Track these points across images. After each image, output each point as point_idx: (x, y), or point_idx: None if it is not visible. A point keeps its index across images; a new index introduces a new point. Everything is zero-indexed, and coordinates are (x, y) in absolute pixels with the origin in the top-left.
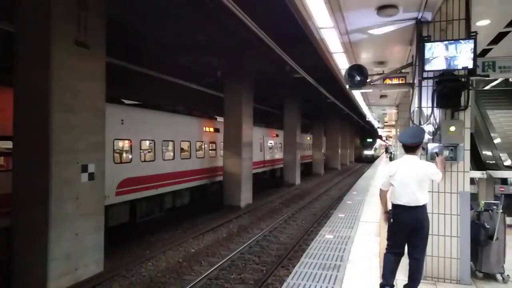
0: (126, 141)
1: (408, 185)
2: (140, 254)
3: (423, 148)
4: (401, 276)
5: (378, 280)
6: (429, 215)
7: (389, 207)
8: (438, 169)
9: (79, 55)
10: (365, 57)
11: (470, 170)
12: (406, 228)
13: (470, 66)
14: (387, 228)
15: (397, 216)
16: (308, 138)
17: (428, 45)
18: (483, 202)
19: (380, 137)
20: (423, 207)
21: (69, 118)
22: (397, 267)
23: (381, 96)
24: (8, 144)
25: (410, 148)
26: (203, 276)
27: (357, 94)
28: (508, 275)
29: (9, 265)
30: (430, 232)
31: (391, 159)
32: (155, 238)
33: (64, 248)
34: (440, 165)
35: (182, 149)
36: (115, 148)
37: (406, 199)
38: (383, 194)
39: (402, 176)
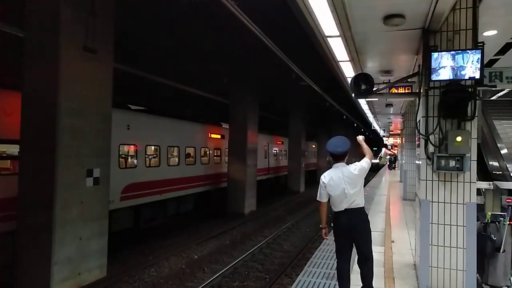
0: (132, 146)
1: (343, 190)
2: (143, 260)
3: (429, 158)
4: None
5: None
6: (435, 226)
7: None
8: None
9: (87, 60)
10: (371, 66)
11: (477, 180)
12: (346, 231)
13: (477, 76)
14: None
15: (336, 220)
16: (313, 145)
17: (434, 55)
18: (489, 213)
19: (386, 146)
20: (361, 209)
21: (75, 122)
22: (348, 271)
23: (387, 105)
24: (16, 148)
25: (339, 157)
26: (205, 283)
27: (362, 102)
28: None
29: (12, 269)
30: (435, 243)
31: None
32: (158, 244)
33: (67, 253)
34: (362, 143)
35: (187, 155)
36: (120, 153)
37: (344, 204)
38: (321, 207)
39: (335, 183)
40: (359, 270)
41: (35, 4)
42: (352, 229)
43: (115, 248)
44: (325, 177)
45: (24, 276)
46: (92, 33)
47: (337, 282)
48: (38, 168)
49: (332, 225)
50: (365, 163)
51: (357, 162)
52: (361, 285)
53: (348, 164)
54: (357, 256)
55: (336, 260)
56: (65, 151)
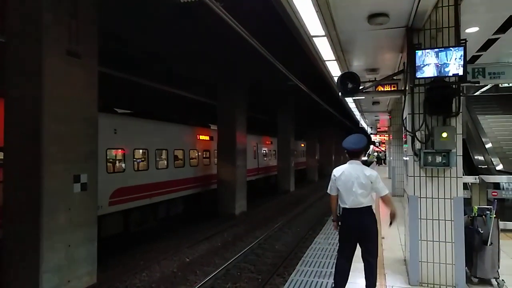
0: (119, 150)
1: (351, 187)
2: (134, 265)
3: (416, 155)
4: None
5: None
6: (424, 221)
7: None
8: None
9: (70, 65)
10: (357, 65)
11: (463, 175)
12: (353, 231)
13: (461, 73)
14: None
15: (344, 218)
16: (302, 145)
17: (419, 53)
18: (476, 207)
19: (374, 143)
20: (367, 209)
21: (61, 128)
22: (347, 271)
23: (374, 103)
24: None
25: (354, 154)
26: (198, 286)
27: (349, 100)
28: (503, 280)
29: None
30: (424, 238)
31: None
32: (149, 248)
33: (56, 260)
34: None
35: (175, 158)
36: (108, 157)
37: (350, 202)
38: (331, 200)
39: (345, 179)
40: (364, 269)
41: (16, 8)
42: (359, 229)
43: (105, 254)
44: (337, 171)
45: (13, 285)
46: (75, 37)
47: (329, 280)
48: (24, 174)
49: (339, 223)
50: (380, 185)
51: (375, 174)
52: (355, 282)
53: (364, 164)
54: (361, 253)
55: (337, 257)
56: (50, 157)
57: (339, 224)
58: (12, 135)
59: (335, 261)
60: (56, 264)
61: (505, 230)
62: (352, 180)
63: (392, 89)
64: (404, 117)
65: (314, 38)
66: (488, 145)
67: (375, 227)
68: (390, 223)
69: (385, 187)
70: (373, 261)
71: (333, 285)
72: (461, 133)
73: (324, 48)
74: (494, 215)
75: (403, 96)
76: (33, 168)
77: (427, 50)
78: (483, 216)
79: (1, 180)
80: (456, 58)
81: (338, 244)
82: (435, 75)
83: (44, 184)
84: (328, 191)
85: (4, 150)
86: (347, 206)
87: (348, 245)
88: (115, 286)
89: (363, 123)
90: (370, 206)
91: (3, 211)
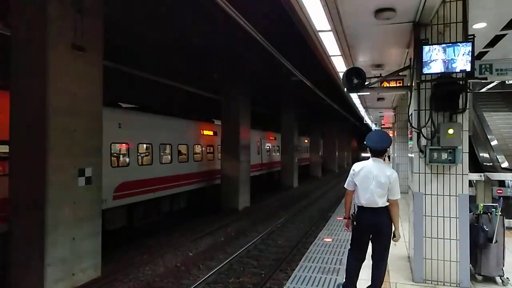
0: (123, 145)
1: (368, 185)
2: (137, 259)
3: (422, 151)
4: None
5: None
6: (428, 218)
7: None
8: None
9: (75, 58)
10: (362, 60)
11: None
12: (366, 230)
13: (468, 69)
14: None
15: (358, 217)
16: (306, 140)
17: (426, 48)
18: (481, 204)
19: None
20: (382, 209)
21: (65, 122)
22: (358, 269)
23: (379, 99)
24: (5, 149)
25: (378, 152)
26: (201, 280)
27: (354, 96)
28: (507, 278)
29: (5, 270)
30: (429, 235)
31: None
32: (152, 242)
33: (61, 253)
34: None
35: (179, 153)
36: (112, 151)
37: (366, 200)
38: (347, 196)
39: (364, 175)
40: (371, 269)
41: (21, 1)
42: (371, 230)
43: (109, 247)
44: (357, 166)
45: (18, 278)
46: (81, 30)
47: (332, 276)
48: (29, 168)
49: (354, 223)
50: (396, 188)
51: (396, 175)
52: (360, 278)
53: (385, 162)
54: (371, 256)
55: (348, 254)
56: (55, 151)
57: (354, 223)
58: (18, 129)
59: (339, 257)
60: (60, 257)
61: (510, 228)
62: (370, 177)
63: (398, 85)
64: (410, 114)
65: (319, 33)
66: (494, 142)
67: (389, 230)
68: (393, 237)
69: (399, 192)
70: (382, 264)
71: (344, 281)
72: (468, 130)
73: (329, 43)
74: (500, 213)
75: (409, 92)
76: (38, 161)
77: (434, 46)
78: (489, 214)
79: (7, 173)
80: (463, 54)
81: (350, 242)
82: (442, 71)
83: (49, 178)
84: (345, 185)
85: (10, 144)
86: (362, 204)
87: (359, 245)
88: (119, 280)
89: (367, 119)
90: (387, 207)
91: (9, 204)
